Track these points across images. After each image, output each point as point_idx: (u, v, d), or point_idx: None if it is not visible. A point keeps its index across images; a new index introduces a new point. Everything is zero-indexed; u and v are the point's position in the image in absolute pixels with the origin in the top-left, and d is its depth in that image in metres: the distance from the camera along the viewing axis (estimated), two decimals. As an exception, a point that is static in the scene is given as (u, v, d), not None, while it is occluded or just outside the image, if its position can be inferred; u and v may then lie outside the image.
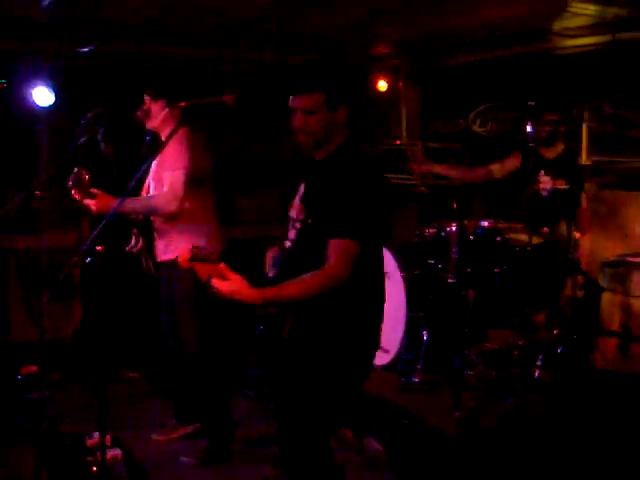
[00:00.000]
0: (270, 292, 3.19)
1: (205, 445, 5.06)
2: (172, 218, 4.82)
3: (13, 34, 6.18)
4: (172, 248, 4.87)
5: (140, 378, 6.68)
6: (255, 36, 6.60)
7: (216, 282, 3.10)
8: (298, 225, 3.44)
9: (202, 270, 3.13)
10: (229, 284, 3.11)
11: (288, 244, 3.51)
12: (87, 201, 4.73)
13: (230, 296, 3.11)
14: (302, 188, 3.54)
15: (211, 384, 5.06)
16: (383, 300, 3.55)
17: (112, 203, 4.60)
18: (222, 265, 3.13)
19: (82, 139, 4.65)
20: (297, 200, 3.53)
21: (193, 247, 3.13)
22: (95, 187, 4.70)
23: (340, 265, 3.19)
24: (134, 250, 4.96)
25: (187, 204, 4.78)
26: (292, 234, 3.49)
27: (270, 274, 3.56)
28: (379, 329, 3.54)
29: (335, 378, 3.40)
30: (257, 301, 3.15)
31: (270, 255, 3.76)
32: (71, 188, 4.71)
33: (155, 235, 4.97)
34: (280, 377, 3.65)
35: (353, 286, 3.26)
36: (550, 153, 6.06)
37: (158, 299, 5.18)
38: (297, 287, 3.19)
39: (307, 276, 3.18)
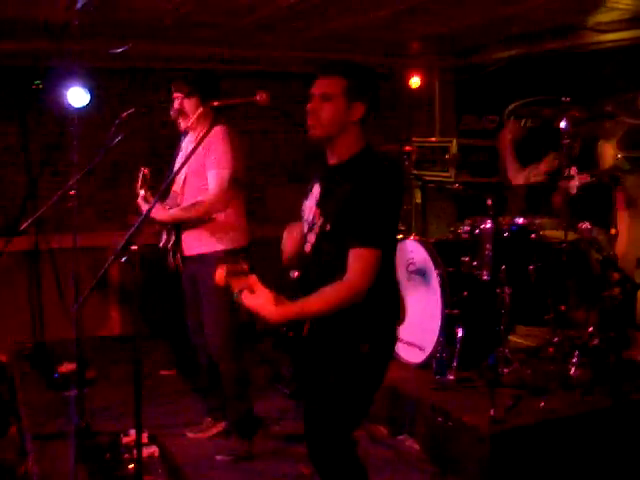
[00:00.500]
0: (293, 310, 3.15)
1: (241, 441, 5.08)
2: (203, 226, 4.89)
3: (48, 36, 6.24)
4: (201, 243, 4.91)
5: (175, 376, 6.72)
6: (285, 35, 6.62)
7: (245, 296, 3.11)
8: (317, 229, 3.40)
9: (235, 284, 3.14)
10: (255, 299, 3.11)
11: (308, 247, 3.45)
12: (142, 203, 4.83)
13: (255, 311, 3.11)
14: (316, 190, 3.49)
15: (236, 380, 5.08)
16: (398, 298, 3.52)
17: (163, 212, 4.71)
18: (253, 278, 3.13)
19: (116, 139, 4.69)
20: (312, 202, 3.48)
21: (228, 265, 3.15)
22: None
23: (362, 277, 3.16)
24: (168, 246, 4.98)
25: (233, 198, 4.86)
26: (312, 238, 3.43)
27: (294, 274, 3.53)
28: (395, 328, 3.51)
29: (354, 375, 3.38)
30: (280, 319, 3.13)
31: (289, 237, 3.74)
32: (140, 188, 4.88)
33: (183, 229, 4.97)
34: (305, 374, 3.67)
35: (373, 297, 3.23)
36: (575, 150, 6.02)
37: (183, 296, 5.21)
38: (319, 303, 3.16)
39: (329, 290, 3.16)
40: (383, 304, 3.40)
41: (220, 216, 4.86)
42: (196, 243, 4.94)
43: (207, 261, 4.83)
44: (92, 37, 6.31)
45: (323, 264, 3.35)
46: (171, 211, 4.85)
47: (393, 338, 3.52)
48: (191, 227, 4.92)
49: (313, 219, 3.42)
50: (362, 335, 3.35)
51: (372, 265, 3.17)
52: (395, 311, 3.50)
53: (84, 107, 5.72)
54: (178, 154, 5.11)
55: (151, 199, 4.83)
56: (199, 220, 4.88)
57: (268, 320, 3.11)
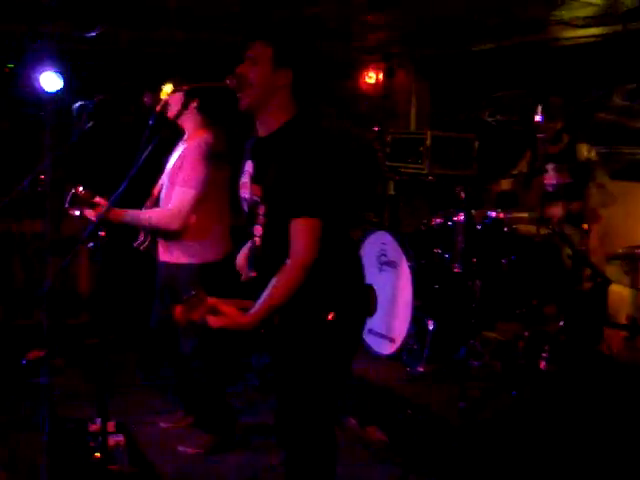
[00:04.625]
0: (261, 311, 3.14)
1: (209, 435, 5.05)
2: (173, 235, 4.79)
3: (21, 17, 6.16)
4: (172, 254, 4.86)
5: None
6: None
7: (210, 320, 3.07)
8: (260, 211, 3.31)
9: (196, 315, 3.08)
10: (222, 319, 3.08)
11: (257, 241, 3.39)
12: (88, 212, 4.67)
13: (227, 328, 3.10)
14: (248, 167, 3.41)
15: (206, 377, 5.04)
16: (361, 277, 3.47)
17: (115, 213, 4.60)
18: (211, 301, 3.09)
19: (88, 125, 4.64)
20: (246, 179, 3.40)
21: (183, 304, 3.07)
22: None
23: (305, 250, 3.14)
24: (142, 247, 4.92)
25: (193, 219, 4.74)
26: (258, 230, 3.36)
27: (252, 275, 3.49)
28: (361, 293, 3.47)
29: (324, 345, 3.33)
30: (252, 325, 3.13)
31: (242, 254, 3.71)
32: (69, 209, 4.65)
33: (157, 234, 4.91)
34: (277, 362, 3.64)
35: (326, 265, 3.21)
36: (554, 148, 6.05)
37: (154, 289, 5.16)
38: (279, 292, 3.15)
39: (281, 277, 3.14)
40: (341, 271, 3.36)
41: (195, 226, 4.76)
42: (166, 251, 4.89)
43: (180, 271, 4.81)
44: (66, 20, 6.23)
45: (272, 252, 3.28)
46: (128, 213, 4.72)
47: (360, 304, 3.46)
48: (163, 236, 4.86)
49: (252, 197, 3.34)
50: (325, 304, 3.29)
51: (313, 235, 3.15)
52: (357, 277, 3.45)
53: (57, 92, 5.67)
54: (171, 154, 5.01)
55: (95, 203, 4.70)
56: (145, 228, 4.82)
57: (244, 331, 3.12)
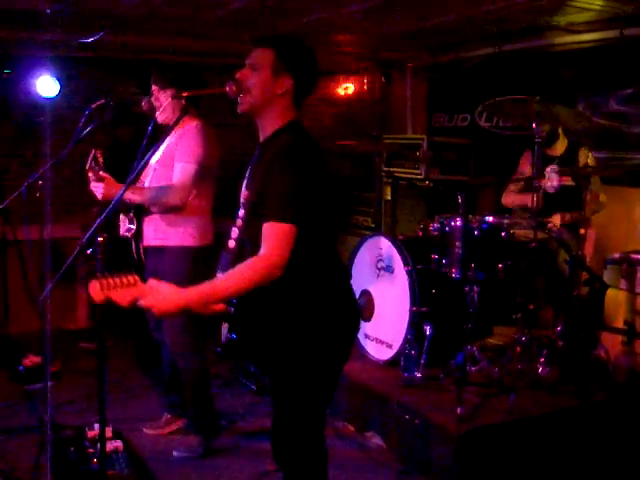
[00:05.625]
0: (202, 291, 3.00)
1: (200, 439, 5.05)
2: (174, 210, 4.79)
3: (18, 25, 6.17)
4: (160, 235, 4.85)
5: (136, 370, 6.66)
6: (259, 30, 6.59)
7: (143, 303, 2.90)
8: (239, 219, 3.30)
9: (122, 297, 2.85)
10: (153, 300, 2.91)
11: (232, 244, 3.34)
12: (94, 184, 4.71)
13: (164, 311, 2.95)
14: (247, 173, 3.40)
15: (195, 378, 5.03)
16: (348, 289, 3.40)
17: (118, 190, 4.58)
18: (136, 279, 2.90)
19: (85, 130, 4.64)
20: (244, 185, 3.39)
21: (96, 279, 2.82)
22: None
23: (274, 250, 3.04)
24: (129, 234, 4.89)
25: (193, 195, 4.76)
26: (234, 232, 3.33)
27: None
28: (347, 321, 3.37)
29: (311, 369, 3.27)
30: (184, 305, 2.94)
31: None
32: (89, 169, 4.71)
33: (145, 219, 4.89)
34: (267, 373, 3.61)
35: (305, 276, 3.18)
36: (554, 151, 6.07)
37: None
38: (231, 280, 3.04)
39: (240, 266, 3.04)
40: (326, 284, 3.28)
41: (185, 209, 4.78)
42: (155, 235, 4.87)
43: (167, 254, 4.80)
44: (63, 26, 6.24)
45: (247, 251, 3.22)
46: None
47: (346, 317, 3.37)
48: (153, 219, 4.86)
49: (243, 202, 3.33)
50: (311, 318, 3.24)
51: (284, 240, 3.04)
52: (343, 290, 3.38)
53: (54, 97, 5.68)
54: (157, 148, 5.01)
55: (102, 177, 4.72)
56: (157, 207, 4.81)
57: (169, 311, 2.94)
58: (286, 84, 3.24)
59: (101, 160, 4.72)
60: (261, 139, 3.34)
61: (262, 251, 3.05)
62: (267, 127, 3.29)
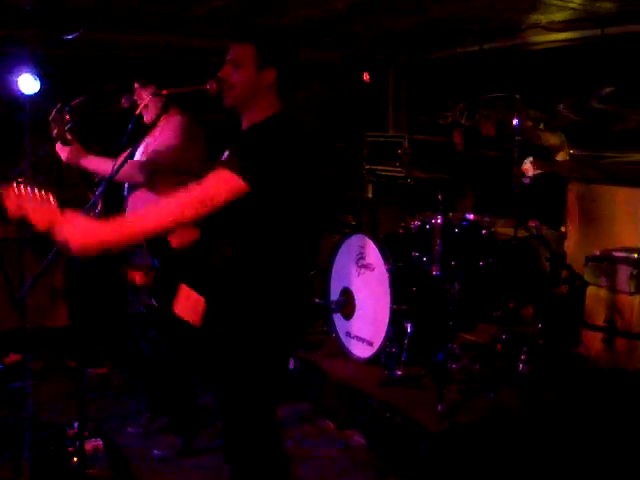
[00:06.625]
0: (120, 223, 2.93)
1: (181, 438, 5.04)
2: (137, 187, 4.77)
3: (-2, 21, 6.14)
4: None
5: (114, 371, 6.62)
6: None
7: (58, 235, 2.73)
8: None
9: (38, 216, 2.71)
10: (68, 233, 2.74)
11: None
12: (59, 146, 4.68)
13: (79, 247, 2.76)
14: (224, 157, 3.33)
15: (178, 377, 5.02)
16: (305, 288, 3.36)
17: (83, 157, 4.57)
18: (52, 198, 2.77)
19: (67, 127, 4.62)
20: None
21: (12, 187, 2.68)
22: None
23: (202, 188, 2.96)
24: (93, 213, 4.81)
25: (161, 189, 4.66)
26: None
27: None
28: (299, 316, 3.33)
29: (257, 366, 3.24)
30: (108, 238, 2.83)
31: None
32: (51, 121, 4.62)
33: (125, 207, 4.88)
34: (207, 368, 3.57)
35: (267, 275, 3.16)
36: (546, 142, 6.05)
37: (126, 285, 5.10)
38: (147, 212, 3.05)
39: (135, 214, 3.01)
40: (280, 282, 3.22)
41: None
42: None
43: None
44: (44, 23, 6.21)
45: (210, 230, 3.17)
46: (94, 157, 4.74)
47: (296, 316, 3.31)
48: (131, 208, 4.83)
49: None
50: (260, 313, 3.19)
51: (222, 185, 2.96)
52: (299, 290, 3.32)
53: (34, 94, 5.63)
54: (140, 144, 5.00)
55: (70, 141, 4.67)
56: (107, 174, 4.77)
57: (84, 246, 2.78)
58: (270, 76, 3.23)
59: (67, 118, 4.63)
60: (246, 126, 3.30)
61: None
62: (253, 118, 3.27)
